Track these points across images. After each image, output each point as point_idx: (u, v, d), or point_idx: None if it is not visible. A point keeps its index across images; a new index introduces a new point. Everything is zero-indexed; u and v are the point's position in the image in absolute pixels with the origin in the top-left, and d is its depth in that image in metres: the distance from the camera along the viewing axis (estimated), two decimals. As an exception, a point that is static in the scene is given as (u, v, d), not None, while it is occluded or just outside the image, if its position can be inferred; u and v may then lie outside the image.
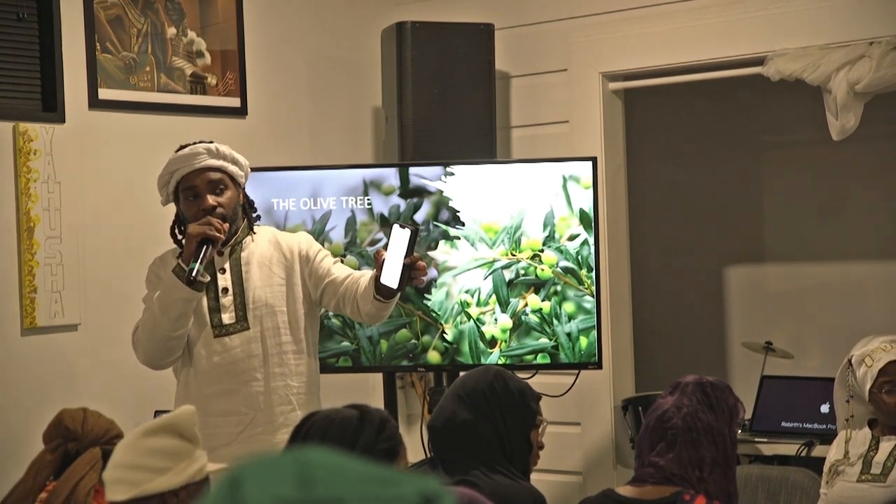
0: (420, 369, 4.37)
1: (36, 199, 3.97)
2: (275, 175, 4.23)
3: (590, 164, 4.25)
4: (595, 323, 4.23)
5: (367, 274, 3.45)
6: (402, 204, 4.25)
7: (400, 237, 3.27)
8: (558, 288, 4.23)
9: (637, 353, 4.92)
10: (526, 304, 4.23)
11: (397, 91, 4.59)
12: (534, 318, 4.22)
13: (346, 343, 4.26)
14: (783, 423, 4.61)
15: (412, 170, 4.27)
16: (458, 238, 4.25)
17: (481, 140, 4.66)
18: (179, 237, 3.46)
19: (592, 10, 4.75)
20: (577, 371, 4.31)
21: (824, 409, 4.49)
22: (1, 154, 3.92)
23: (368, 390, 4.74)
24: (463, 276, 4.23)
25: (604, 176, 4.62)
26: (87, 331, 4.10)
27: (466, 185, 4.26)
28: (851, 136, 4.24)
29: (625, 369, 4.81)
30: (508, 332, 4.22)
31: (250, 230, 3.54)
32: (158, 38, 4.35)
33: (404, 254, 3.24)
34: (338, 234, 4.23)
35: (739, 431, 2.91)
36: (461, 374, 3.15)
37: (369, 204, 4.24)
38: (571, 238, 4.23)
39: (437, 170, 4.27)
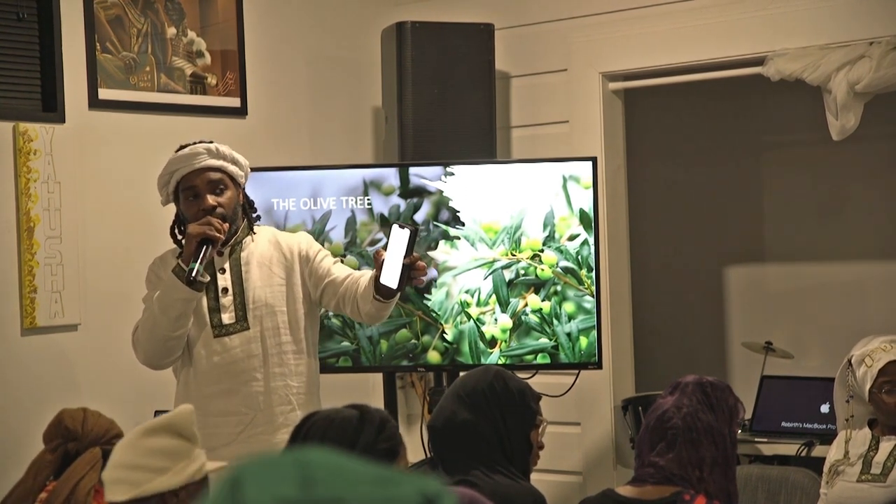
0: (420, 369, 4.37)
1: (36, 199, 3.97)
2: (275, 175, 4.23)
3: (590, 164, 4.25)
4: (595, 323, 4.23)
5: (367, 274, 3.45)
6: (402, 204, 4.25)
7: (399, 237, 3.27)
8: (558, 288, 4.23)
9: (637, 353, 4.92)
10: (526, 304, 4.23)
11: (397, 91, 4.59)
12: (534, 318, 4.23)
13: (346, 343, 4.26)
14: (783, 423, 4.61)
15: (412, 170, 4.27)
16: (458, 238, 4.25)
17: (481, 140, 4.66)
18: (179, 237, 3.46)
19: (592, 10, 4.75)
20: (577, 371, 4.31)
21: (824, 409, 4.49)
22: (1, 154, 3.92)
23: (368, 390, 4.74)
24: (463, 276, 4.23)
25: (604, 176, 4.62)
26: (87, 331, 4.10)
27: (466, 185, 4.26)
28: (851, 136, 4.24)
29: (625, 369, 4.81)
30: (508, 332, 4.22)
31: (250, 230, 3.54)
32: (158, 38, 4.35)
33: (404, 254, 3.24)
34: (338, 234, 4.23)
35: (739, 431, 2.91)
36: (461, 374, 3.15)
37: (369, 204, 4.24)
38: (571, 238, 4.23)
39: (437, 170, 4.27)
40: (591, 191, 4.23)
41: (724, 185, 5.48)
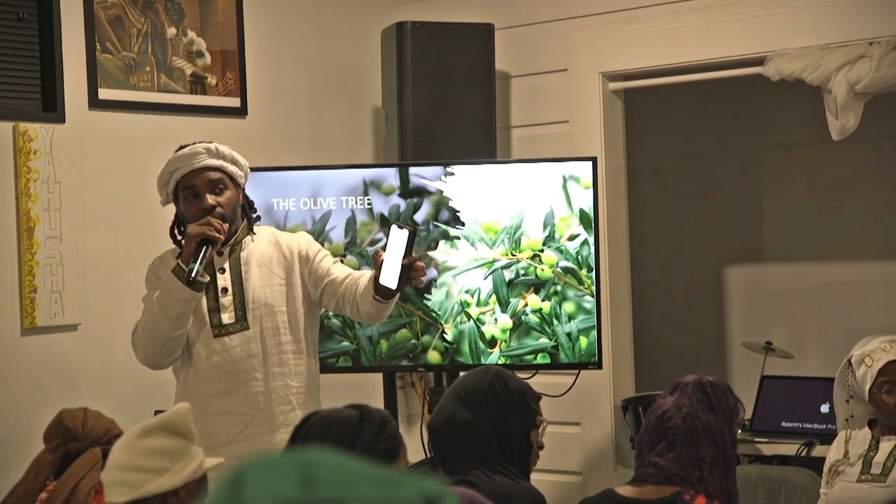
0: (420, 369, 4.37)
1: (36, 199, 3.97)
2: (275, 175, 4.23)
3: (590, 164, 4.25)
4: (595, 323, 4.23)
5: (366, 274, 3.45)
6: (402, 204, 4.25)
7: (398, 238, 3.27)
8: (558, 288, 4.23)
9: (637, 353, 4.92)
10: (526, 304, 4.23)
11: (397, 91, 4.59)
12: (534, 318, 4.22)
13: (346, 343, 4.26)
14: (783, 423, 4.61)
15: (412, 170, 4.27)
16: (458, 238, 4.25)
17: (481, 140, 4.66)
18: (179, 237, 3.46)
19: (592, 10, 4.75)
20: (577, 371, 4.31)
21: (824, 409, 4.49)
22: (1, 154, 3.92)
23: (368, 390, 4.74)
24: (463, 276, 4.23)
25: (604, 176, 4.62)
26: (87, 331, 4.10)
27: (466, 185, 4.26)
28: (851, 136, 4.24)
29: (625, 369, 4.81)
30: (508, 332, 4.22)
31: (250, 230, 3.54)
32: (158, 38, 4.35)
33: (403, 254, 3.24)
34: (338, 234, 4.23)
35: (739, 431, 2.91)
36: (461, 374, 3.15)
37: (369, 204, 4.24)
38: (571, 238, 4.23)
39: (437, 170, 4.27)
40: (591, 191, 4.23)
41: (724, 185, 5.48)
